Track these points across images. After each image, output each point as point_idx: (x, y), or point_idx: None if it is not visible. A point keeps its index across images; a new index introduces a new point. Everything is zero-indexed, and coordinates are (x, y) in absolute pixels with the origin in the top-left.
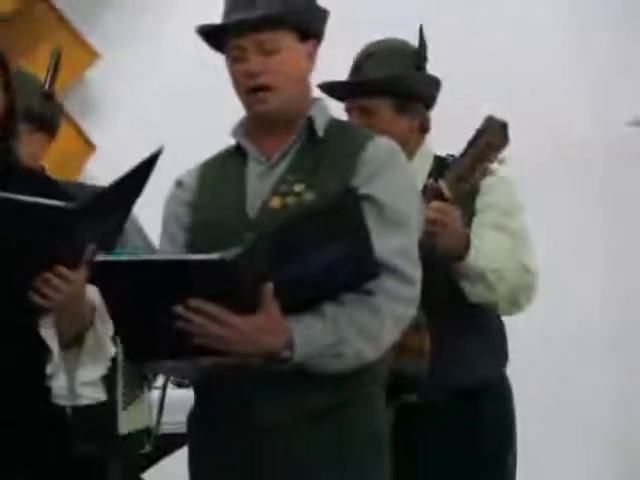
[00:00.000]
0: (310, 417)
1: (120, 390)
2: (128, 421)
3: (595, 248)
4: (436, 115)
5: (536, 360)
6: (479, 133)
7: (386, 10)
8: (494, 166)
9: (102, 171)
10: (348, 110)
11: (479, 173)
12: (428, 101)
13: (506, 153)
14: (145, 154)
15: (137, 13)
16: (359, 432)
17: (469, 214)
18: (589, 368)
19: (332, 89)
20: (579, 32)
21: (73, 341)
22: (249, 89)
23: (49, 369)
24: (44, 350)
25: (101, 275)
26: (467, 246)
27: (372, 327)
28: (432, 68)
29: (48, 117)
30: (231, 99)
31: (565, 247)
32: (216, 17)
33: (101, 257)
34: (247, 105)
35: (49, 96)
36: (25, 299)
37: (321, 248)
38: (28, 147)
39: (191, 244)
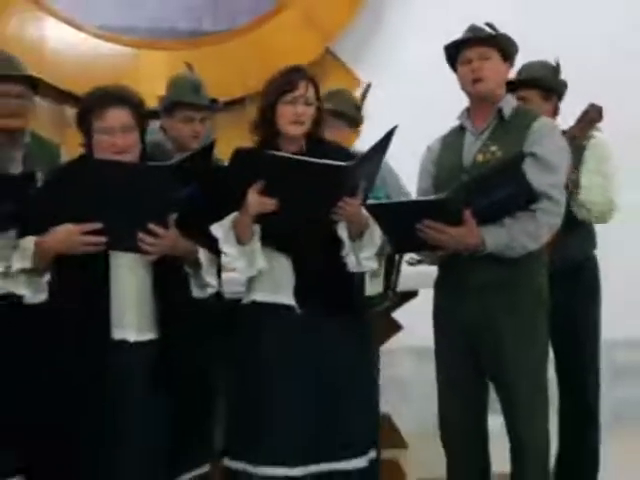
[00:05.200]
0: (497, 281)
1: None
2: (371, 287)
3: None
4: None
5: None
6: (585, 112)
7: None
8: (593, 132)
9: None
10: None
11: (583, 136)
12: (560, 95)
13: (600, 125)
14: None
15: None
16: (529, 292)
17: (580, 161)
18: None
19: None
20: None
21: (357, 237)
22: (472, 80)
23: (344, 252)
24: (340, 245)
25: (372, 209)
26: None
27: (534, 230)
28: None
29: (356, 118)
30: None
31: None
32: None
33: (371, 201)
34: (470, 89)
35: (359, 108)
36: (328, 220)
37: (502, 187)
38: (338, 136)
39: (435, 184)
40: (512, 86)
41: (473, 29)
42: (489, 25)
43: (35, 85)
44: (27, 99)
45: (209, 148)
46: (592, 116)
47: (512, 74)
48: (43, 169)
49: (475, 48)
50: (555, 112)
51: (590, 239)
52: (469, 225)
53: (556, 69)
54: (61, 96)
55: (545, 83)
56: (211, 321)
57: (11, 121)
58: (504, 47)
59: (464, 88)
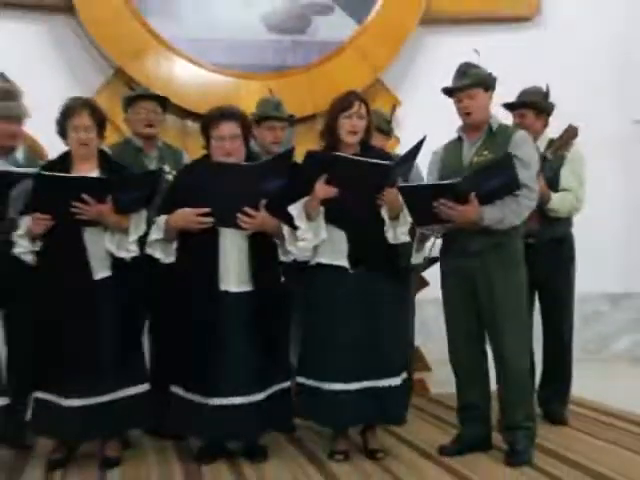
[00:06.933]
0: (490, 247)
1: (416, 244)
2: (416, 258)
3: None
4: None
5: None
6: (565, 131)
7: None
8: (571, 147)
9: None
10: (514, 115)
11: (563, 149)
12: (549, 113)
13: (577, 141)
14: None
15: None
16: (512, 253)
17: (560, 165)
18: None
19: (507, 106)
20: None
21: (395, 218)
22: (464, 114)
23: (385, 229)
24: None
25: (403, 190)
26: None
27: (517, 210)
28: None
29: (388, 130)
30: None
31: None
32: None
33: (402, 184)
34: (463, 119)
35: (389, 122)
36: (374, 206)
37: (495, 179)
38: (376, 143)
39: (440, 180)
40: (512, 106)
41: (459, 73)
42: (473, 64)
43: (164, 104)
44: (158, 114)
45: (290, 151)
46: (570, 134)
47: (513, 97)
48: (170, 166)
49: (463, 91)
50: (545, 126)
51: (568, 221)
52: (473, 204)
53: (546, 94)
54: (184, 113)
55: (537, 106)
56: (287, 276)
57: (148, 129)
58: (484, 83)
59: (459, 116)
